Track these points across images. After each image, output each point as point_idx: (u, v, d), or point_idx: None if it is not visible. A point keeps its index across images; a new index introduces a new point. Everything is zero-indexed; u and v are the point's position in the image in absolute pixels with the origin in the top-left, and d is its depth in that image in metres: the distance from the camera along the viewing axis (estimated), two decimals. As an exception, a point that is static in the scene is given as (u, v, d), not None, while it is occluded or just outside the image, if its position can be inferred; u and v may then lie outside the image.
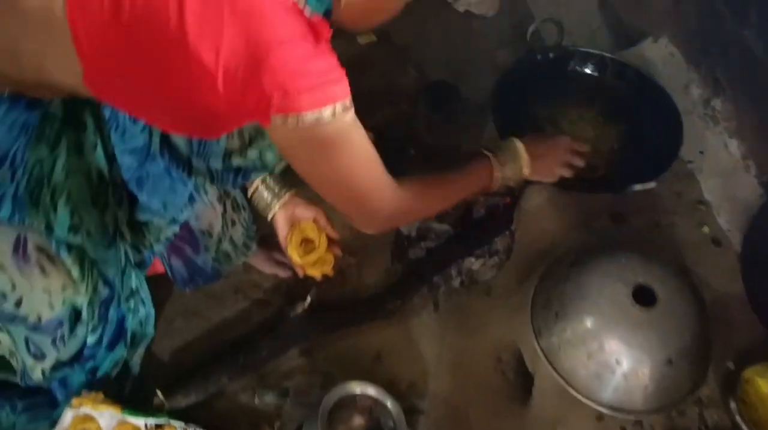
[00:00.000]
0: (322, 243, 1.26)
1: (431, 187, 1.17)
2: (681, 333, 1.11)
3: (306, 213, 1.27)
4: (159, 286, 1.32)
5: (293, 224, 1.28)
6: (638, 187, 1.26)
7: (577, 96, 1.54)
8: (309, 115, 0.81)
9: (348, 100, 0.85)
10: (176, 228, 1.17)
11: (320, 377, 1.30)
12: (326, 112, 0.82)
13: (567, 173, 1.29)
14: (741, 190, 1.43)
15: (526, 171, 1.24)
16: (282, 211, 1.25)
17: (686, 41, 1.59)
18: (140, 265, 1.18)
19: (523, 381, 1.32)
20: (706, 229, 1.40)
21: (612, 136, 1.50)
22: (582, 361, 1.12)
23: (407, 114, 1.99)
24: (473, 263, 1.60)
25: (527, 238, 1.48)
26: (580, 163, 1.31)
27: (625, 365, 1.10)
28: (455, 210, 1.70)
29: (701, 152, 1.51)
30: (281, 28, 0.80)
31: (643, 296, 1.12)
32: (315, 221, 1.28)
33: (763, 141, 1.40)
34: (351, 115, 0.87)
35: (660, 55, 1.67)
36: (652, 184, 1.26)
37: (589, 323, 1.13)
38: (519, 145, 1.23)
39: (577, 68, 1.55)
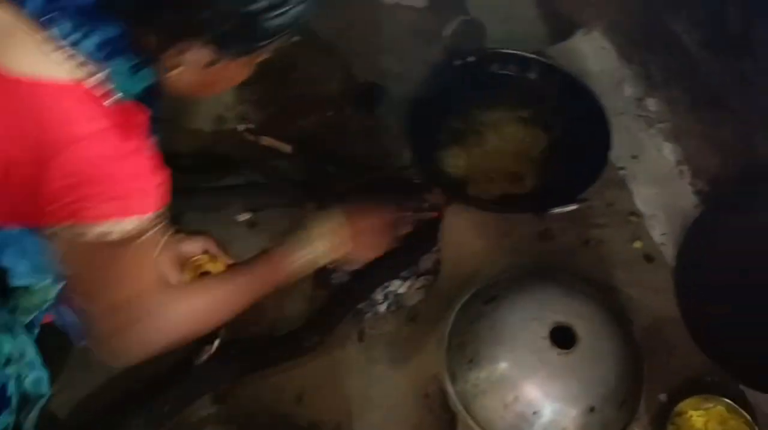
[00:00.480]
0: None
1: (198, 301, 0.87)
2: (604, 376, 1.01)
3: (193, 246, 1.14)
4: (55, 334, 1.21)
5: (184, 263, 1.16)
6: (558, 210, 1.16)
7: (500, 100, 1.42)
8: (94, 228, 0.68)
9: (151, 216, 0.71)
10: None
11: (235, 427, 1.20)
12: (116, 227, 0.68)
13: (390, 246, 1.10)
14: (676, 199, 1.33)
15: (343, 249, 1.02)
16: (164, 257, 1.13)
17: (619, 34, 1.47)
18: (29, 326, 1.06)
19: (450, 418, 1.23)
20: (638, 244, 1.30)
21: (539, 140, 1.39)
22: (498, 411, 1.02)
23: (334, 121, 1.87)
24: (400, 286, 1.50)
25: (453, 259, 1.37)
26: (407, 229, 1.18)
27: (545, 416, 0.99)
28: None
29: (634, 157, 1.40)
30: (73, 125, 0.65)
31: (563, 337, 1.02)
32: (206, 251, 1.16)
33: (699, 145, 1.30)
34: (150, 235, 0.72)
35: (592, 49, 1.55)
36: (573, 206, 1.16)
37: (503, 369, 1.02)
38: (337, 221, 1.01)
39: (499, 71, 1.43)
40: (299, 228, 0.99)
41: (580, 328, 1.02)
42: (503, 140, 1.39)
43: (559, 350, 1.00)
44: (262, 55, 0.75)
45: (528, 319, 1.04)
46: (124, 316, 0.77)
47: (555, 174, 1.32)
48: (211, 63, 0.71)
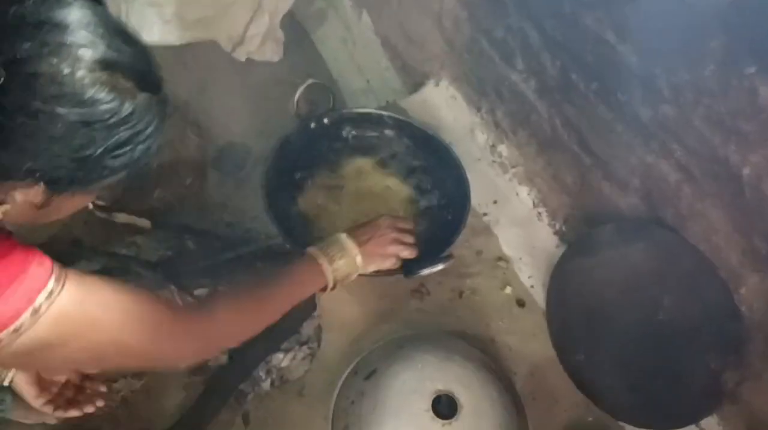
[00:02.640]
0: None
1: (245, 300, 0.96)
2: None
3: None
4: None
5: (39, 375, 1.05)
6: (426, 271, 1.15)
7: (359, 159, 1.41)
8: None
9: (49, 286, 0.68)
10: None
11: None
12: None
13: (403, 252, 1.11)
14: (538, 240, 1.36)
15: (359, 260, 1.05)
16: (19, 374, 1.01)
17: (465, 83, 1.52)
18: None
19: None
20: (509, 289, 1.32)
21: (400, 193, 1.38)
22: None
23: (194, 188, 1.78)
24: (282, 359, 1.43)
25: (332, 325, 1.33)
26: (409, 239, 1.13)
27: (436, 491, 0.97)
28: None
29: (495, 202, 1.43)
30: None
31: (445, 406, 1.00)
32: None
33: (550, 187, 1.35)
34: (66, 294, 0.70)
35: (443, 99, 1.58)
36: (441, 266, 1.15)
37: (390, 452, 0.99)
38: (342, 237, 1.05)
39: (354, 132, 1.42)
40: (328, 242, 1.05)
41: (462, 394, 1.00)
42: (364, 196, 1.36)
43: (442, 422, 0.98)
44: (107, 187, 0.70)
45: (408, 392, 1.00)
46: (188, 350, 0.88)
47: (421, 230, 1.31)
48: (44, 203, 0.66)
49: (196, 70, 1.97)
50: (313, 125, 1.38)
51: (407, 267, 1.21)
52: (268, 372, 1.37)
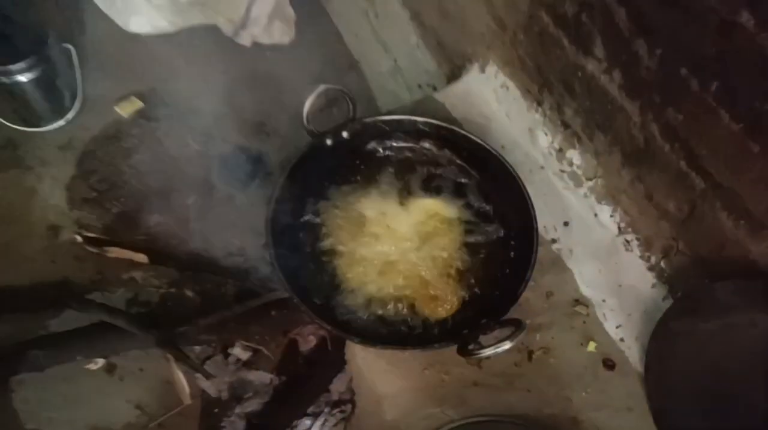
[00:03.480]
0: None
1: None
2: None
3: None
4: None
5: None
6: (489, 352, 0.86)
7: (389, 181, 1.10)
8: None
9: None
10: None
11: None
12: None
13: None
14: (626, 277, 1.06)
15: None
16: None
17: (519, 70, 1.18)
18: None
19: None
20: (592, 345, 1.03)
21: (449, 230, 1.07)
22: None
23: (197, 209, 1.52)
24: (310, 427, 1.21)
25: (368, 402, 1.06)
26: None
27: None
28: (274, 345, 1.29)
29: (566, 224, 1.12)
30: None
31: None
32: None
33: (642, 208, 1.03)
34: None
35: (492, 89, 1.25)
36: (507, 346, 0.86)
37: None
38: None
39: (381, 146, 1.11)
40: None
41: None
42: (397, 230, 1.06)
43: None
44: None
45: None
46: None
47: (473, 277, 1.02)
48: None
49: (193, 61, 1.67)
50: (329, 142, 1.08)
51: (461, 336, 0.93)
52: (295, 440, 1.15)
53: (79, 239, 1.44)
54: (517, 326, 0.87)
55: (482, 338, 0.91)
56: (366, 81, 1.85)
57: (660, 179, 0.96)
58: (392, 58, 1.70)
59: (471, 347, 0.87)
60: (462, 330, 0.93)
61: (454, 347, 0.91)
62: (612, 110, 0.99)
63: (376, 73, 1.79)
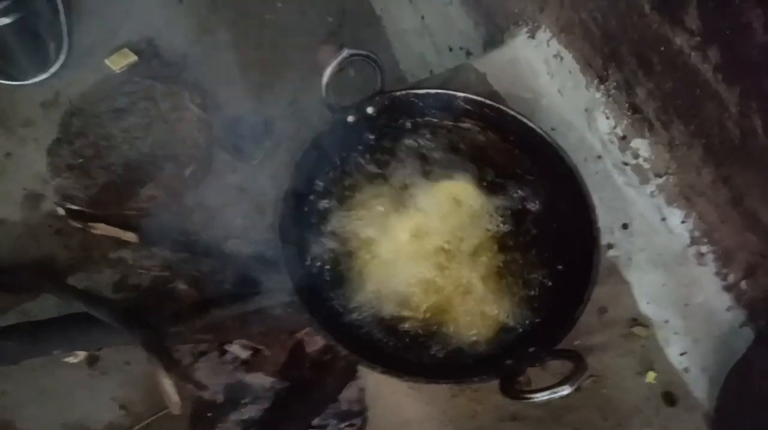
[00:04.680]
0: None
1: None
2: None
3: None
4: None
5: None
6: (543, 397, 0.70)
7: (424, 167, 0.92)
8: None
9: None
10: None
11: None
12: None
13: None
14: (696, 295, 0.89)
15: None
16: None
17: (579, 38, 0.99)
18: None
19: None
20: (651, 376, 0.87)
21: (486, 228, 0.90)
22: None
23: (196, 181, 1.36)
24: None
25: (382, 423, 0.92)
26: None
27: None
28: (278, 346, 1.15)
29: (625, 227, 0.95)
30: None
31: None
32: None
33: (724, 215, 0.85)
34: None
35: (543, 59, 1.06)
36: (566, 390, 0.69)
37: None
38: None
39: (411, 125, 0.93)
40: None
41: None
42: (426, 227, 0.89)
43: None
44: None
45: None
46: None
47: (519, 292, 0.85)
48: None
49: (195, 11, 1.48)
50: (351, 119, 0.90)
51: (504, 367, 0.77)
52: (298, 456, 1.03)
53: (61, 211, 1.28)
54: (576, 361, 0.71)
55: (529, 371, 0.75)
56: (387, 38, 1.65)
57: (755, 183, 0.79)
58: (419, 15, 1.49)
59: (518, 385, 0.71)
60: (504, 360, 0.77)
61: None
62: (701, 96, 0.81)
63: (399, 30, 1.58)
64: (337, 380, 1.10)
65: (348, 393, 1.10)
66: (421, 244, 0.87)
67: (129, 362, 1.17)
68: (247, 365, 1.14)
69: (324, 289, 0.85)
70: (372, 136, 0.93)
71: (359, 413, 1.09)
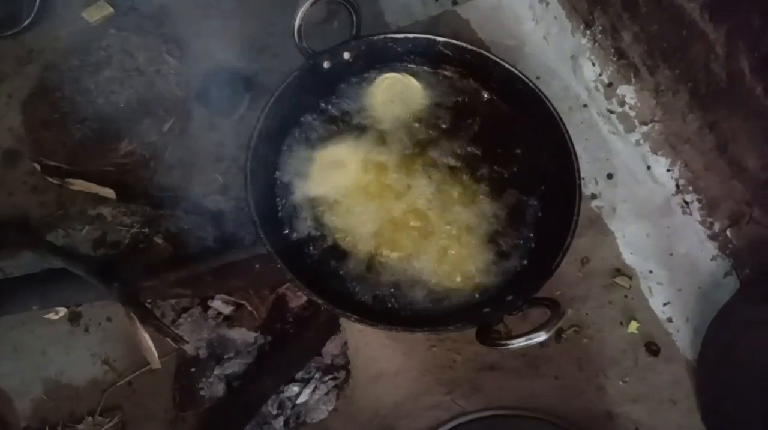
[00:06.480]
0: None
1: None
2: None
3: None
4: None
5: None
6: (519, 344, 0.68)
7: (399, 117, 0.89)
8: None
9: None
10: None
11: None
12: None
13: None
14: (681, 245, 0.87)
15: None
16: None
17: (566, -21, 0.95)
18: None
19: None
20: (634, 325, 0.86)
21: (470, 184, 0.87)
22: None
23: (174, 136, 1.32)
24: (298, 393, 1.08)
25: (365, 379, 0.91)
26: None
27: None
28: (259, 301, 1.15)
29: (609, 177, 0.93)
30: None
31: None
32: None
33: (710, 163, 0.83)
34: None
35: (527, 4, 1.02)
36: (542, 336, 0.68)
37: None
38: None
39: (389, 73, 0.89)
40: None
41: None
42: (402, 180, 0.86)
43: None
44: None
45: None
46: None
47: (499, 240, 0.83)
48: None
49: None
50: (326, 65, 0.87)
51: (481, 316, 0.76)
52: (281, 406, 1.04)
53: (38, 167, 1.25)
54: (553, 308, 0.70)
55: (507, 320, 0.74)
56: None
57: (742, 128, 0.76)
58: (406, -36, 1.44)
59: (496, 334, 0.70)
60: (482, 308, 0.76)
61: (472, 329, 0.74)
62: (687, 37, 0.78)
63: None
64: (319, 334, 1.10)
65: (331, 347, 1.10)
66: (400, 191, 0.84)
67: (111, 319, 1.16)
68: (230, 321, 1.13)
69: (298, 238, 0.83)
70: (348, 83, 0.90)
71: (342, 366, 1.09)
